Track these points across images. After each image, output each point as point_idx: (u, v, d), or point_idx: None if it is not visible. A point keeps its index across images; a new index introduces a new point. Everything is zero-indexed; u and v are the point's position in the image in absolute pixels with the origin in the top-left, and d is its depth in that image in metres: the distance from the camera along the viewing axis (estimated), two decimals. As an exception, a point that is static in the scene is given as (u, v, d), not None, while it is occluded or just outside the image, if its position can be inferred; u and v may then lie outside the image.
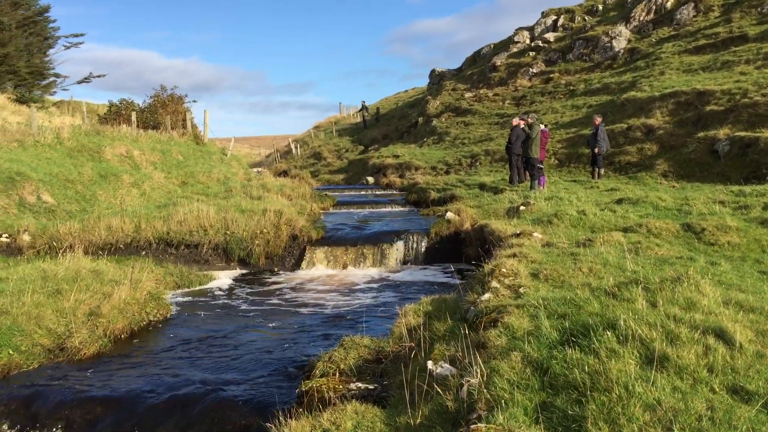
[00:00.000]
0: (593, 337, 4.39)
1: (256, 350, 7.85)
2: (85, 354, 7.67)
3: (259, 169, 49.77)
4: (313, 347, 7.72)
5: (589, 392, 3.76)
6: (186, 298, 11.35)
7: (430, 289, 11.38)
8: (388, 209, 20.85)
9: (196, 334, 8.82)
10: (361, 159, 37.98)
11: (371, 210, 20.59)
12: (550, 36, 37.95)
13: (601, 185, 18.97)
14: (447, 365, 4.80)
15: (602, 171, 20.93)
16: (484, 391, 4.03)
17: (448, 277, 12.45)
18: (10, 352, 7.22)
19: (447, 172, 28.35)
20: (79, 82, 46.52)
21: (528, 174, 19.92)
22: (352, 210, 20.68)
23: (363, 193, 28.20)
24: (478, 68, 42.67)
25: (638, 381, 3.76)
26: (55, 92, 45.88)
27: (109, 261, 12.04)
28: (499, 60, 39.66)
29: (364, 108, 51.91)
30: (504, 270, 7.03)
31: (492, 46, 44.70)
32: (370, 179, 32.23)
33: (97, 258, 12.25)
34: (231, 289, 12.21)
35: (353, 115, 59.07)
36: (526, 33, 40.75)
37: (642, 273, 6.47)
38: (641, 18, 33.45)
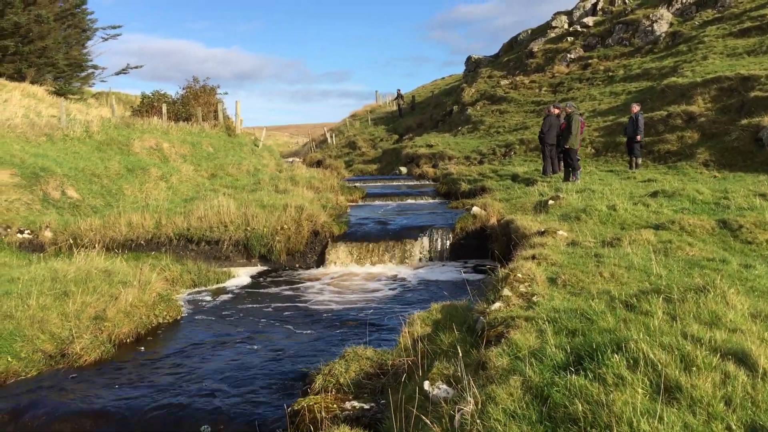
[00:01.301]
0: (601, 360, 4.00)
1: (261, 358, 7.60)
2: (86, 360, 7.52)
3: (294, 159, 49.79)
4: (322, 354, 7.43)
5: (589, 428, 3.39)
6: (201, 297, 11.18)
7: (452, 289, 11.02)
8: (418, 201, 20.47)
9: (202, 338, 8.61)
10: (395, 148, 37.58)
11: (399, 202, 20.23)
12: (589, 20, 36.91)
13: (638, 176, 18.30)
14: (444, 386, 4.46)
15: (640, 161, 20.21)
16: (478, 421, 3.68)
17: (473, 274, 12.07)
18: (9, 359, 7.10)
19: (481, 162, 27.79)
20: (117, 74, 47.09)
21: (562, 164, 19.33)
22: (380, 202, 20.36)
23: (395, 183, 27.84)
24: (515, 54, 41.81)
25: (645, 416, 3.37)
26: (93, 84, 46.58)
27: (128, 258, 11.97)
28: (536, 46, 38.77)
29: (399, 96, 51.41)
30: (519, 275, 6.64)
31: (529, 31, 43.74)
32: (403, 169, 31.83)
33: (117, 254, 12.19)
34: (248, 287, 12.00)
35: (389, 103, 58.61)
36: (564, 17, 39.72)
37: (666, 280, 6.03)
38: (684, 0, 32.27)
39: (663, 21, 31.63)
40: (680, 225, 9.88)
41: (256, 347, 8.13)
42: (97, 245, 12.48)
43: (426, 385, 4.57)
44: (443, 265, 13.23)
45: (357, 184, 27.28)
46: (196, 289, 11.58)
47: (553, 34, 39.07)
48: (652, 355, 3.94)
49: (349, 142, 46.26)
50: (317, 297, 11.03)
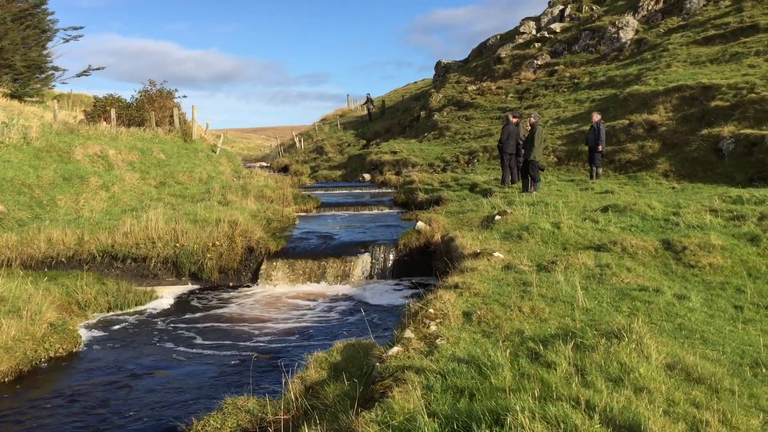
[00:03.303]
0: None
1: (151, 402, 6.86)
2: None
3: (260, 164, 48.97)
4: (214, 398, 6.71)
5: None
6: (112, 323, 10.31)
7: (384, 314, 10.43)
8: (373, 212, 19.85)
9: (95, 376, 7.83)
10: (360, 154, 36.95)
11: (353, 213, 19.61)
12: (557, 26, 36.62)
13: (597, 186, 17.89)
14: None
15: (600, 170, 19.83)
16: None
17: (413, 295, 11.50)
18: None
19: (444, 170, 27.32)
20: (78, 75, 45.90)
21: (521, 174, 18.87)
22: (333, 213, 19.71)
23: (356, 191, 27.24)
24: (483, 60, 41.43)
25: None
26: (53, 86, 45.39)
27: (46, 278, 11.19)
28: (504, 52, 38.41)
29: (369, 101, 50.82)
30: (432, 311, 6.07)
31: (498, 37, 43.40)
32: (367, 176, 31.26)
33: (34, 274, 11.43)
34: (168, 310, 11.20)
35: (360, 107, 58.00)
36: (532, 23, 39.42)
37: (587, 317, 5.49)
38: (650, 7, 32.07)
39: (629, 28, 31.41)
40: (622, 246, 9.39)
41: (144, 388, 7.35)
42: (13, 263, 11.71)
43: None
44: (386, 284, 12.61)
45: (318, 191, 26.66)
46: (111, 314, 10.74)
47: (521, 40, 38.75)
48: (531, 432, 3.37)
49: (317, 147, 45.61)
50: (237, 321, 10.25)
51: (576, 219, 11.86)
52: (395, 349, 5.28)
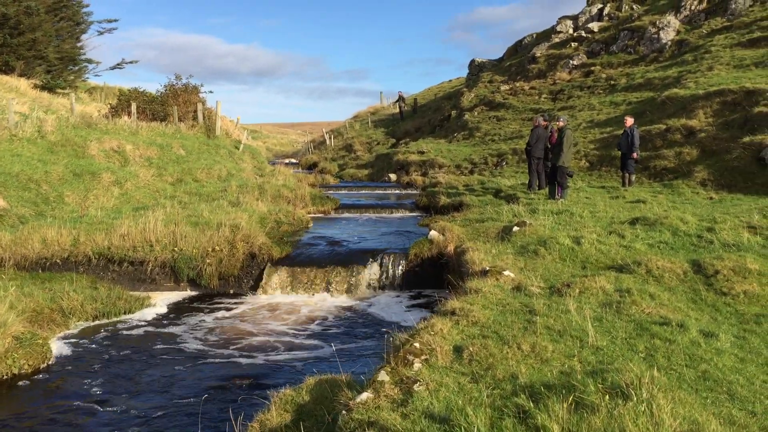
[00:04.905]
0: None
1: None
2: None
3: (290, 160, 48.53)
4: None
5: None
6: (94, 334, 9.65)
7: (392, 329, 9.64)
8: (391, 215, 19.11)
9: (52, 398, 7.10)
10: (388, 154, 36.17)
11: (372, 216, 18.87)
12: (594, 26, 35.36)
13: (629, 194, 16.93)
14: None
15: (633, 177, 18.82)
16: None
17: (423, 309, 10.71)
18: None
19: (471, 172, 26.44)
20: (112, 68, 46.06)
21: (548, 179, 17.99)
22: (351, 215, 19.00)
23: (379, 192, 26.54)
24: (518, 59, 40.32)
25: None
26: (87, 78, 45.54)
27: (40, 279, 10.70)
28: (539, 51, 37.26)
29: (401, 99, 50.03)
30: (417, 345, 5.33)
31: (534, 35, 42.20)
32: (393, 177, 30.51)
33: (28, 275, 10.94)
34: (158, 320, 10.53)
35: (392, 105, 57.27)
36: (569, 22, 38.16)
37: (597, 358, 4.70)
38: (693, 7, 30.70)
39: (670, 28, 30.09)
40: (647, 267, 8.50)
41: (113, 417, 6.70)
42: (6, 264, 11.25)
43: None
44: (394, 297, 11.84)
45: (341, 191, 25.99)
46: (95, 323, 10.10)
47: (557, 39, 37.55)
48: None
49: (346, 145, 45.00)
50: (223, 338, 9.48)
51: (601, 233, 10.97)
52: (365, 395, 4.56)
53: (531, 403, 4.10)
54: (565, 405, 3.99)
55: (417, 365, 5.07)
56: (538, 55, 36.88)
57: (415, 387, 4.58)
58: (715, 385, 4.84)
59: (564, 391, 4.25)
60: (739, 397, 4.65)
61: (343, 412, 4.52)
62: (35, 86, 34.38)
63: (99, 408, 7.03)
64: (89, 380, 7.90)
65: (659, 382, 4.30)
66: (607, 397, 4.09)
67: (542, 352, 5.31)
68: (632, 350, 5.52)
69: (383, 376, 4.81)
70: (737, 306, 7.44)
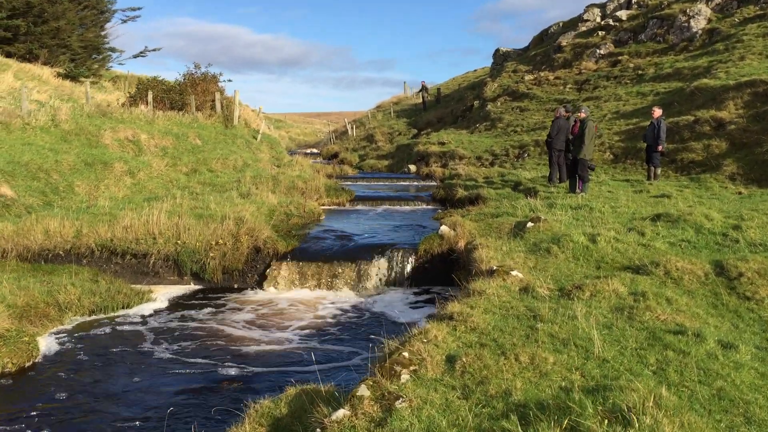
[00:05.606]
0: None
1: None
2: None
3: (311, 150, 48.29)
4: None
5: None
6: (88, 330, 9.31)
7: (397, 327, 9.22)
8: (407, 208, 18.64)
9: (33, 400, 6.67)
10: (408, 144, 35.68)
11: (387, 208, 18.42)
12: (623, 14, 34.42)
13: (654, 189, 16.26)
14: None
15: (659, 171, 18.11)
16: None
17: (430, 307, 10.25)
18: None
19: (492, 164, 25.88)
20: (135, 56, 46.02)
21: (569, 173, 17.39)
22: (365, 207, 18.57)
23: (398, 183, 26.11)
24: (543, 48, 39.50)
25: None
26: (110, 66, 45.62)
27: (42, 271, 10.45)
28: (565, 40, 36.41)
29: (424, 89, 49.43)
30: (406, 354, 4.90)
31: (561, 24, 41.32)
32: (412, 168, 30.04)
33: (30, 266, 10.70)
34: (156, 315, 10.16)
35: (415, 95, 56.69)
36: (597, 10, 37.23)
37: (600, 372, 4.23)
38: (725, -6, 29.69)
39: (701, 17, 29.12)
40: (666, 269, 7.96)
41: (91, 425, 6.36)
42: (9, 255, 11.02)
43: None
44: (401, 294, 11.39)
45: (359, 183, 25.59)
46: (91, 318, 9.75)
47: (584, 28, 36.67)
48: None
49: (368, 135, 44.58)
50: (220, 336, 9.04)
51: (619, 229, 10.42)
52: (341, 412, 4.15)
53: (520, 429, 3.65)
54: (561, 429, 3.54)
55: (404, 377, 4.65)
56: (564, 44, 36.05)
57: (397, 404, 4.15)
58: (730, 406, 4.35)
59: (558, 414, 3.80)
60: (756, 421, 4.16)
61: (318, 430, 4.12)
62: (58, 75, 34.43)
63: (75, 411, 6.67)
64: (71, 380, 7.46)
65: (666, 404, 3.82)
66: (606, 422, 3.63)
67: (542, 364, 4.85)
68: (642, 363, 5.04)
69: (363, 390, 4.39)
70: (761, 312, 6.90)
